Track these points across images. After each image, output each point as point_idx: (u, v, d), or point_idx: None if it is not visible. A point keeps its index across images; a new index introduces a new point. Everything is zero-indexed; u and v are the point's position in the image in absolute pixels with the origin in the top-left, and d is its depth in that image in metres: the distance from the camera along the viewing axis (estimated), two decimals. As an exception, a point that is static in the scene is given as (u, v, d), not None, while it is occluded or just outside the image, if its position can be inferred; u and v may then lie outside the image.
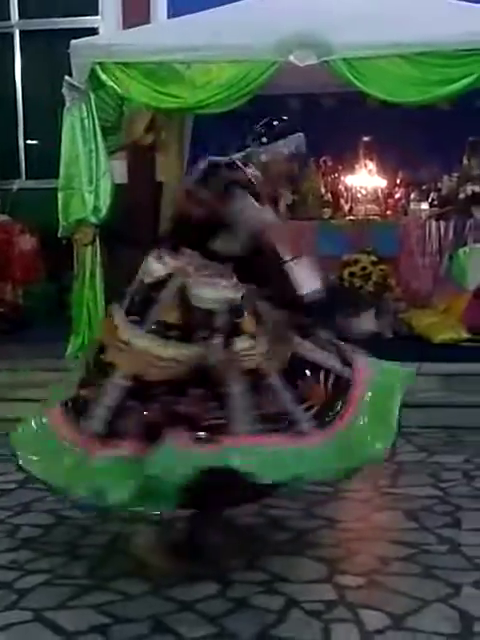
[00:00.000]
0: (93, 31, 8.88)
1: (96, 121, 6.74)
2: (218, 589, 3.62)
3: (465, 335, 7.07)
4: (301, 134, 4.07)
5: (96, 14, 9.22)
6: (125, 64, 6.61)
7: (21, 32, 9.42)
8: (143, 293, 3.75)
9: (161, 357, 3.65)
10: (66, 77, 6.67)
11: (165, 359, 3.64)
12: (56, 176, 7.00)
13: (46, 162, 8.92)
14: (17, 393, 6.50)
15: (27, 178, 9.39)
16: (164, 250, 3.79)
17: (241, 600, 3.52)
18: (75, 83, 6.64)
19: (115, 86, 6.67)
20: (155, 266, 3.76)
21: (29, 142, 9.53)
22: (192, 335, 3.66)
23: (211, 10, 7.27)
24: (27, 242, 8.20)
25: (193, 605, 3.49)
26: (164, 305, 3.69)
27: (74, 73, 6.68)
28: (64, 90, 6.69)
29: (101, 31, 9.04)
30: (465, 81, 6.43)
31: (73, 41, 6.72)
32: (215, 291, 3.72)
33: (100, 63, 6.60)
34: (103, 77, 6.61)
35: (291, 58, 6.46)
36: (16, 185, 8.76)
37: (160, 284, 3.71)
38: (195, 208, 3.80)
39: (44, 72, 9.28)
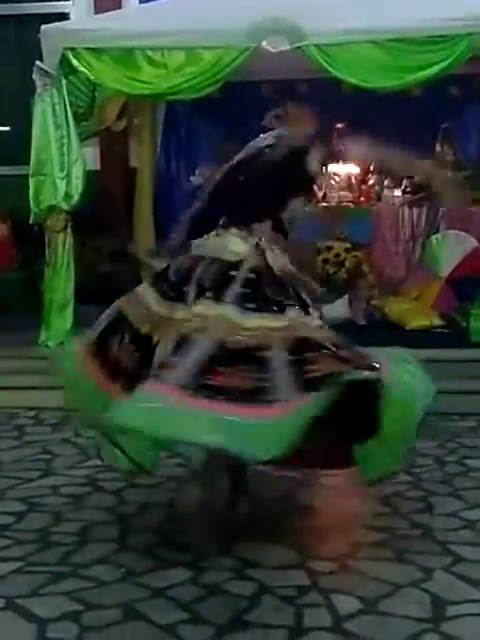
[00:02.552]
0: (64, 16, 8.79)
1: (68, 107, 6.68)
2: (190, 575, 3.63)
3: (437, 322, 7.10)
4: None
5: (67, -1, 9.15)
6: (97, 50, 6.54)
7: (-8, 17, 9.32)
8: (220, 271, 3.82)
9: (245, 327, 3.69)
10: (37, 63, 6.59)
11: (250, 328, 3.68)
12: (27, 162, 6.93)
13: (16, 148, 8.84)
14: (-11, 380, 6.48)
15: (-1, 164, 9.32)
16: (239, 227, 3.92)
17: (213, 586, 3.52)
18: (46, 69, 6.57)
19: (87, 72, 6.61)
20: (239, 246, 3.88)
21: (3, 128, 9.44)
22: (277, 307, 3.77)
23: (183, -5, 7.23)
24: (-1, 229, 8.15)
25: (165, 591, 3.50)
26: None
27: (45, 59, 6.60)
28: (35, 76, 6.62)
29: (72, 16, 8.94)
30: (437, 67, 6.43)
31: (44, 26, 6.64)
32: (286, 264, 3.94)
33: (71, 49, 6.53)
34: (75, 63, 6.55)
35: (264, 44, 6.43)
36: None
37: (240, 262, 3.84)
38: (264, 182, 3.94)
39: (14, 57, 9.16)
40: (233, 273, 3.82)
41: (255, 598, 3.43)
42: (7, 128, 9.42)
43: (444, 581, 3.58)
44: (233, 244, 3.90)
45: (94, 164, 8.49)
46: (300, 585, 3.54)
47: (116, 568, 3.71)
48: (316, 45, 6.40)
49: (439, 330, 7.02)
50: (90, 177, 7.04)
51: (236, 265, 3.84)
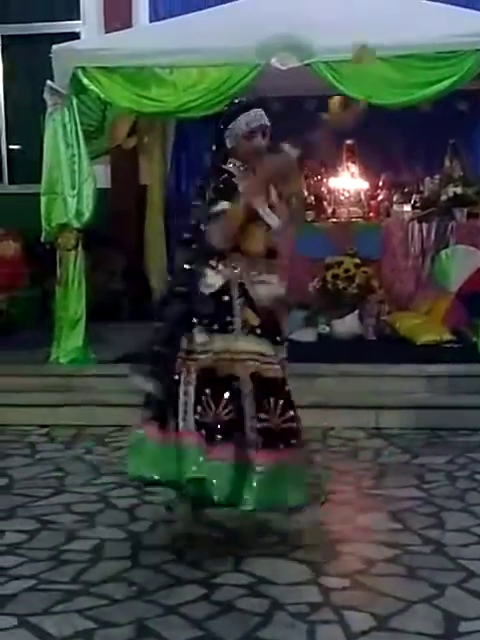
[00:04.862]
0: (74, 36, 8.90)
1: (78, 126, 6.72)
2: (202, 593, 3.63)
3: (447, 337, 7.10)
4: (258, 109, 4.05)
5: (78, 18, 9.23)
6: (107, 69, 6.59)
7: (2, 37, 9.41)
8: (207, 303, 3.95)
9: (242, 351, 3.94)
10: (48, 82, 6.65)
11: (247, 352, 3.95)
12: (38, 181, 6.98)
13: (28, 167, 8.93)
14: (1, 398, 6.49)
15: (9, 183, 9.38)
16: (215, 260, 3.97)
17: (226, 603, 3.53)
18: (57, 88, 6.62)
19: (97, 91, 6.65)
20: (212, 278, 3.95)
21: (11, 147, 9.50)
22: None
23: (193, 14, 7.31)
24: (10, 247, 8.21)
25: (177, 609, 3.50)
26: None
27: (56, 78, 6.66)
28: (46, 95, 6.67)
29: (82, 35, 9.06)
30: (446, 83, 6.45)
31: (55, 46, 6.70)
32: (268, 289, 4.03)
33: (82, 68, 6.58)
34: (85, 82, 6.59)
35: (273, 61, 6.46)
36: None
37: (221, 293, 3.95)
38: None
39: (26, 76, 9.28)
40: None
41: (268, 615, 3.43)
42: (18, 146, 9.48)
43: (456, 597, 3.57)
44: (208, 277, 3.96)
45: (105, 182, 8.56)
46: (312, 602, 3.53)
47: (128, 586, 3.72)
48: (325, 62, 6.43)
49: (449, 345, 7.02)
50: (101, 195, 7.08)
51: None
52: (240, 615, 3.44)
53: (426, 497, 4.75)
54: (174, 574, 3.80)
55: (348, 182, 8.44)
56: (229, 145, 4.01)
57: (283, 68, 6.50)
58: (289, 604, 3.51)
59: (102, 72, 6.62)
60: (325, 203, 8.40)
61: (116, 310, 8.36)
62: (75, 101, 6.70)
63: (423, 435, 5.94)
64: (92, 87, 6.63)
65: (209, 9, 7.29)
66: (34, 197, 7.06)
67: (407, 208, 8.18)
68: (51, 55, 6.69)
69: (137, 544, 4.15)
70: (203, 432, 3.82)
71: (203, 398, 3.85)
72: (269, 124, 4.01)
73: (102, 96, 6.76)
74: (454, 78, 6.38)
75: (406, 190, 8.33)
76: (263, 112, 4.01)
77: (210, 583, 3.71)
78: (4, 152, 9.53)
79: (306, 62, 6.47)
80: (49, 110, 6.70)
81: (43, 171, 6.79)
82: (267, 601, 3.54)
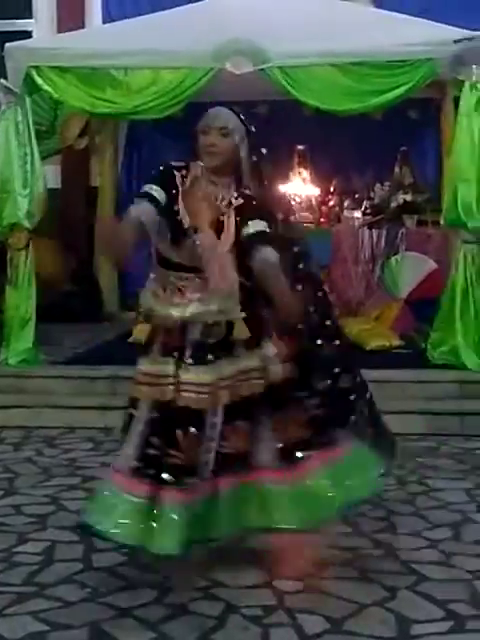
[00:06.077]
0: (27, 34, 8.84)
1: (31, 125, 6.68)
2: (156, 595, 3.62)
3: (396, 342, 7.17)
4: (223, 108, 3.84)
5: (30, 17, 9.16)
6: (61, 68, 6.57)
7: (-46, 34, 9.30)
8: None
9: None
10: (1, 80, 6.60)
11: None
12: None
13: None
14: None
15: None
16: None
17: (180, 606, 3.51)
18: (10, 86, 6.58)
19: (51, 90, 6.63)
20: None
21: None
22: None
23: (148, 16, 7.30)
24: (-41, 247, 8.08)
25: (131, 611, 3.48)
26: None
27: (9, 76, 6.62)
28: (-2, 93, 6.63)
29: (35, 34, 9.00)
30: (397, 91, 6.53)
31: (8, 44, 6.66)
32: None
33: (36, 67, 6.55)
34: (39, 81, 6.57)
35: (227, 65, 6.49)
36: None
37: None
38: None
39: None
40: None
41: (222, 618, 3.43)
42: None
43: (408, 600, 3.60)
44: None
45: (55, 182, 8.50)
46: (266, 605, 3.54)
47: (81, 588, 3.70)
48: (279, 67, 6.46)
49: (398, 351, 7.09)
50: (51, 195, 7.03)
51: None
52: (194, 618, 3.44)
53: (377, 501, 4.75)
54: (127, 577, 3.78)
55: (299, 187, 8.48)
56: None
57: (237, 72, 6.52)
58: (243, 607, 3.51)
59: (56, 72, 6.61)
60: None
61: (65, 311, 8.31)
62: (28, 100, 6.65)
63: (372, 439, 5.97)
64: (46, 87, 6.61)
65: (164, 11, 7.28)
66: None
67: (357, 214, 8.27)
68: (4, 53, 6.65)
69: (89, 547, 4.11)
70: None
71: None
72: (231, 126, 3.71)
73: (55, 96, 6.75)
74: (407, 86, 6.46)
75: (357, 196, 8.42)
76: (230, 113, 3.77)
77: (163, 586, 3.70)
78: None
79: (260, 67, 6.50)
80: (1, 108, 6.65)
81: (-6, 170, 6.72)
82: (221, 604, 3.54)
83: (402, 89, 6.49)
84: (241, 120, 3.77)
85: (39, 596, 3.63)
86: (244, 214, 3.66)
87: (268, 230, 3.66)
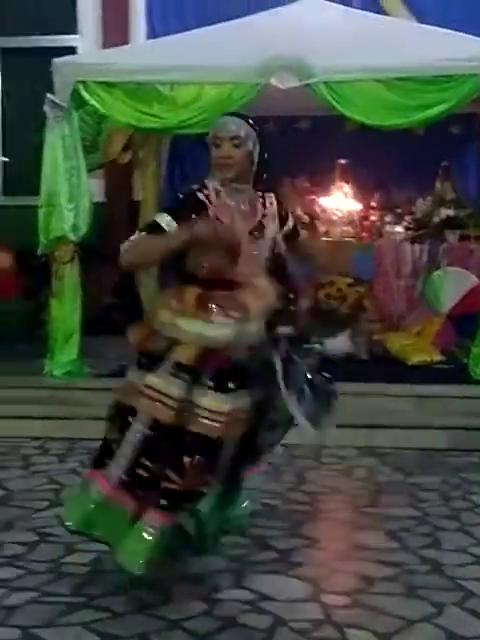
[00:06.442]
0: (72, 50, 8.94)
1: (78, 139, 6.75)
2: (205, 608, 3.64)
3: (438, 357, 7.16)
4: (231, 117, 3.80)
5: (75, 33, 9.26)
6: (108, 83, 6.63)
7: (1, 49, 9.45)
8: None
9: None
10: (48, 95, 6.67)
11: None
12: (33, 193, 7.01)
13: (21, 180, 8.94)
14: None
15: (4, 195, 9.38)
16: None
17: (229, 619, 3.54)
18: (57, 101, 6.65)
19: (98, 105, 6.69)
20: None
21: (6, 159, 9.50)
22: None
23: (193, 31, 7.35)
24: (3, 259, 8.19)
25: (181, 623, 3.51)
26: None
27: (56, 91, 6.68)
28: (46, 108, 6.69)
29: (80, 50, 9.10)
30: (442, 107, 6.52)
31: (56, 60, 6.73)
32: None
33: (83, 82, 6.62)
34: (86, 96, 6.63)
35: (272, 80, 6.52)
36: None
37: None
38: None
39: (22, 89, 9.30)
40: None
41: (271, 631, 3.44)
42: (6, 159, 9.45)
43: (456, 616, 3.59)
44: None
45: (99, 196, 8.56)
46: (314, 619, 3.55)
47: (129, 599, 3.72)
48: (325, 82, 6.48)
49: (440, 366, 7.08)
50: (95, 209, 7.08)
51: None
52: (243, 631, 3.45)
53: (421, 516, 4.78)
54: (175, 589, 3.81)
55: (341, 202, 8.50)
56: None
57: (282, 87, 6.56)
58: (291, 621, 3.53)
59: (103, 87, 6.66)
60: (317, 222, 8.45)
61: (107, 324, 8.35)
62: (75, 114, 6.72)
63: (415, 455, 5.97)
64: (93, 102, 6.67)
65: (210, 27, 7.31)
66: (28, 209, 7.07)
67: (399, 229, 8.26)
68: (52, 69, 6.71)
69: (137, 558, 4.15)
70: None
71: None
72: (243, 134, 3.60)
73: (102, 110, 6.79)
74: (452, 102, 6.45)
75: (398, 211, 8.41)
76: (240, 121, 3.67)
77: (212, 598, 3.72)
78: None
79: (305, 82, 6.52)
80: (49, 123, 6.72)
81: (42, 184, 6.79)
82: (270, 617, 3.55)
83: (447, 104, 6.49)
84: (251, 125, 3.67)
85: (88, 607, 3.66)
86: (281, 214, 3.81)
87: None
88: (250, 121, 3.68)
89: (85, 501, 3.71)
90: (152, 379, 3.56)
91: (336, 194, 8.55)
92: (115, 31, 8.88)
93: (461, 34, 6.95)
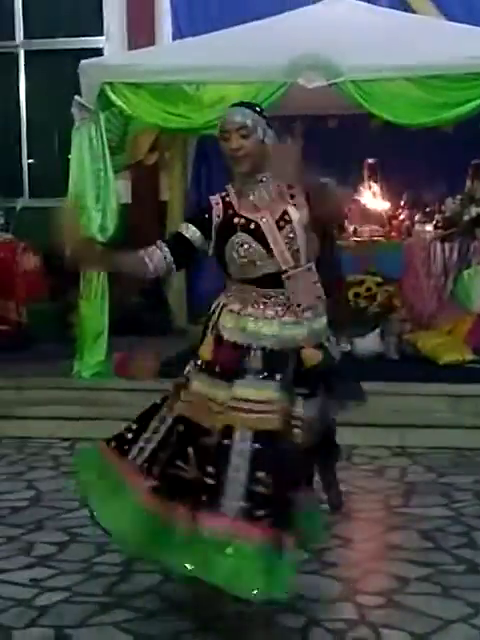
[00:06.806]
0: (98, 52, 8.94)
1: (105, 141, 6.73)
2: (238, 607, 3.60)
3: (470, 357, 7.08)
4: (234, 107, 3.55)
5: (101, 34, 9.27)
6: (135, 84, 6.61)
7: (26, 52, 9.47)
8: None
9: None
10: (76, 97, 6.66)
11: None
12: (59, 195, 7.02)
13: (49, 181, 8.96)
14: (24, 411, 6.51)
15: (30, 197, 9.40)
16: None
17: (263, 619, 3.49)
18: (84, 103, 6.64)
19: (124, 106, 6.67)
20: None
21: (32, 161, 9.52)
22: None
23: (219, 32, 7.31)
24: (30, 261, 8.19)
25: (213, 623, 3.48)
26: None
27: (83, 93, 6.67)
28: (73, 109, 6.67)
29: (106, 51, 9.11)
30: (471, 104, 6.44)
31: (83, 61, 6.73)
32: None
33: (110, 83, 6.61)
34: (113, 97, 6.61)
35: (300, 80, 6.48)
36: (19, 204, 8.72)
37: None
38: None
39: (48, 91, 9.32)
40: None
41: (305, 631, 3.42)
42: (31, 160, 9.46)
43: (493, 617, 3.56)
44: None
45: (125, 197, 8.55)
46: (349, 619, 3.52)
47: (162, 599, 3.71)
48: (352, 81, 6.43)
49: (472, 365, 7.00)
50: (121, 210, 7.07)
51: None
52: (278, 630, 3.43)
53: (455, 516, 4.74)
54: (208, 588, 3.77)
55: (369, 201, 8.45)
56: None
57: (310, 87, 6.52)
58: (326, 620, 3.51)
59: (129, 88, 6.64)
60: (347, 221, 8.40)
61: (134, 324, 8.35)
62: (102, 116, 6.72)
63: (448, 455, 5.91)
64: (119, 103, 6.65)
65: (236, 27, 7.29)
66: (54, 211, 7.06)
67: (429, 228, 8.19)
68: (78, 71, 6.71)
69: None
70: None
71: None
72: (251, 123, 3.38)
73: (129, 112, 6.77)
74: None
75: (428, 210, 8.33)
76: (245, 110, 3.44)
77: (245, 599, 3.68)
78: (25, 166, 9.55)
79: (333, 81, 6.48)
80: (76, 125, 6.71)
81: (69, 185, 6.78)
82: (304, 617, 3.53)
83: (476, 102, 6.41)
84: (258, 112, 3.45)
85: (121, 606, 3.66)
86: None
87: None
88: (257, 108, 3.50)
89: (161, 533, 3.32)
90: (245, 391, 3.33)
91: (365, 193, 8.50)
92: (141, 32, 8.86)
93: (490, 31, 6.89)
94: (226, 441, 3.26)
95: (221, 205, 3.47)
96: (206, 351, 3.44)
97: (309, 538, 3.62)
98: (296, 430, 3.36)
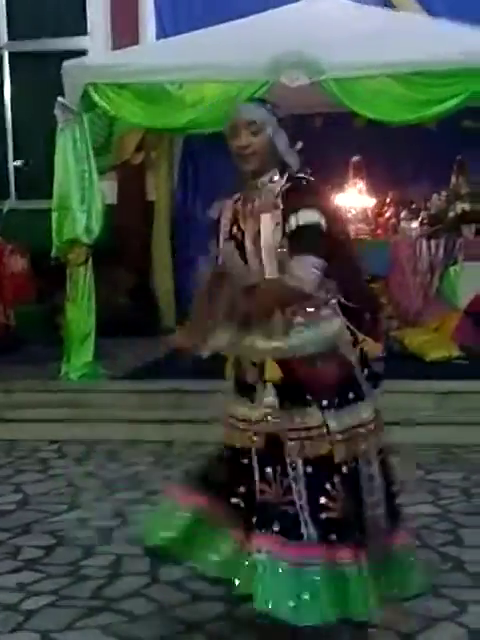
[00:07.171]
0: (82, 52, 8.92)
1: (89, 142, 6.74)
2: (224, 609, 3.61)
3: (457, 353, 7.10)
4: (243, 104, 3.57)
5: (85, 35, 9.25)
6: (118, 85, 6.61)
7: (10, 54, 9.45)
8: None
9: None
10: (59, 98, 6.66)
11: None
12: (46, 197, 7.01)
13: (33, 183, 8.94)
14: (12, 413, 6.50)
15: (17, 199, 9.39)
16: None
17: (249, 621, 3.50)
18: (68, 104, 6.63)
19: (108, 107, 6.67)
20: None
21: (18, 163, 9.49)
22: None
23: (202, 31, 7.30)
24: (18, 263, 8.19)
25: (201, 625, 3.48)
26: None
27: (66, 94, 6.67)
28: (57, 111, 6.68)
29: (90, 52, 9.08)
30: (454, 101, 6.44)
31: (65, 62, 6.72)
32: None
33: (93, 84, 6.60)
34: (96, 98, 6.60)
35: (282, 78, 6.47)
36: (6, 206, 8.71)
37: None
38: None
39: (33, 93, 9.29)
40: None
41: (293, 631, 3.40)
42: (19, 163, 9.43)
43: (479, 614, 3.55)
44: None
45: (111, 198, 8.54)
46: (336, 619, 3.51)
47: (149, 602, 3.70)
48: (335, 79, 6.42)
49: (459, 361, 7.02)
50: (108, 211, 7.08)
51: None
52: (263, 631, 3.40)
53: (442, 513, 4.74)
54: (195, 590, 3.78)
55: (355, 199, 8.46)
56: None
57: (292, 85, 6.51)
58: (311, 622, 3.49)
59: (112, 88, 6.63)
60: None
61: (122, 326, 8.34)
62: (86, 117, 6.71)
63: (435, 451, 5.92)
64: (102, 103, 6.65)
65: (218, 26, 7.27)
66: (41, 213, 7.08)
67: (415, 225, 8.20)
68: (61, 72, 6.70)
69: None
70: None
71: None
72: (260, 120, 3.20)
73: (111, 112, 6.78)
74: (463, 96, 6.36)
75: (413, 207, 8.35)
76: (256, 106, 3.30)
77: (231, 600, 3.67)
78: (11, 168, 9.53)
79: (315, 79, 6.47)
80: (60, 126, 6.71)
81: (54, 187, 6.79)
82: (290, 618, 3.51)
83: (459, 98, 6.41)
84: (268, 109, 3.25)
85: (107, 610, 3.66)
86: (290, 201, 3.16)
87: (320, 223, 3.11)
88: (268, 106, 3.29)
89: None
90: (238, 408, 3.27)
91: (350, 191, 8.50)
92: (125, 33, 8.84)
93: (472, 27, 6.88)
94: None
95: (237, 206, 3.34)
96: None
97: (402, 586, 3.41)
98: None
